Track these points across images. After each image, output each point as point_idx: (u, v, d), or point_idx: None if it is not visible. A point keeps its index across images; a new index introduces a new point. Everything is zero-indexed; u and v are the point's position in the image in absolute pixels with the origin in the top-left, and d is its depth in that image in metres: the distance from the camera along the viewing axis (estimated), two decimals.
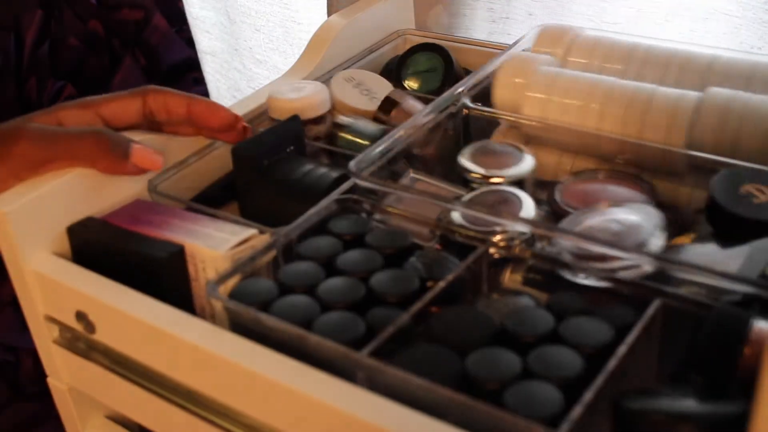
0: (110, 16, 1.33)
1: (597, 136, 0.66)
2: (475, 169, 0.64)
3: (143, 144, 0.64)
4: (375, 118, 0.77)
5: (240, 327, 0.54)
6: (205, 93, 1.42)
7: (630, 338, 0.47)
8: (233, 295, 0.54)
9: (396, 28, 0.94)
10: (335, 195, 0.62)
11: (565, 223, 0.57)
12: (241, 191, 0.68)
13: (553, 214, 0.62)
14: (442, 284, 0.53)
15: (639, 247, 0.53)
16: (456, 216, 0.59)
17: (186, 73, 1.44)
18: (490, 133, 0.74)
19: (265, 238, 0.60)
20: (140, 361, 0.60)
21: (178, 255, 0.59)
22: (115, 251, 0.61)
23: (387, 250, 0.57)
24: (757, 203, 0.54)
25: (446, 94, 0.72)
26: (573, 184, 0.64)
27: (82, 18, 1.31)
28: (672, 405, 0.44)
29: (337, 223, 0.60)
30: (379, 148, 0.65)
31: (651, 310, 0.49)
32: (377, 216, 0.62)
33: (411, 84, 0.85)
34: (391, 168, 0.67)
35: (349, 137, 0.73)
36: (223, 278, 0.55)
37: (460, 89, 0.72)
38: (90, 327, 0.61)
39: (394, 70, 0.86)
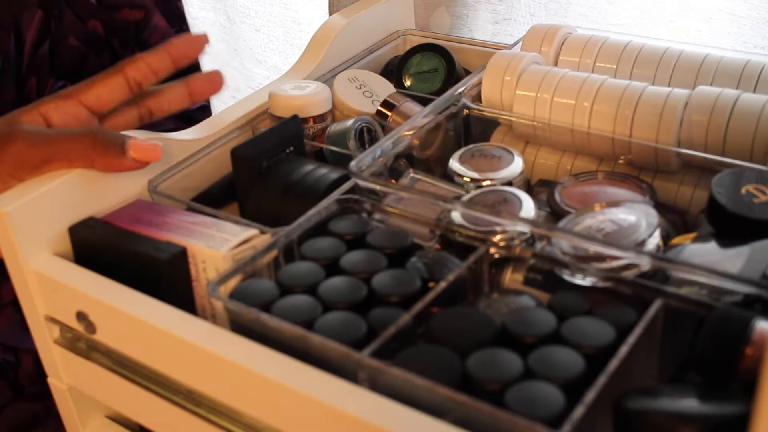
0: (110, 16, 1.33)
1: (588, 135, 0.66)
2: (464, 173, 0.65)
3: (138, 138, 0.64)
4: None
5: (241, 327, 0.54)
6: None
7: (631, 338, 0.47)
8: (234, 295, 0.54)
9: (396, 28, 0.94)
10: (336, 195, 0.62)
11: (563, 223, 0.57)
12: (241, 192, 0.68)
13: (553, 214, 0.62)
14: (443, 284, 0.53)
15: (637, 247, 0.53)
16: (456, 216, 0.59)
17: (186, 72, 1.44)
18: (490, 134, 0.74)
19: (265, 239, 0.60)
20: (141, 362, 0.60)
21: (179, 256, 0.59)
22: (116, 251, 0.61)
23: (387, 250, 0.57)
24: (757, 203, 0.54)
25: (446, 95, 0.72)
26: (572, 184, 0.64)
27: (82, 18, 1.31)
28: (673, 405, 0.44)
29: (337, 223, 0.60)
30: (380, 148, 0.65)
31: (652, 311, 0.49)
32: (377, 216, 0.62)
33: (412, 84, 0.85)
34: (392, 168, 0.67)
35: (332, 149, 0.74)
36: (223, 278, 0.55)
37: (460, 90, 0.72)
38: (90, 327, 0.61)
39: (394, 71, 0.86)
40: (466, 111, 0.72)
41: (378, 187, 0.62)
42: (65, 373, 0.67)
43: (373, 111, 0.77)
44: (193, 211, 0.65)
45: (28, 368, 1.24)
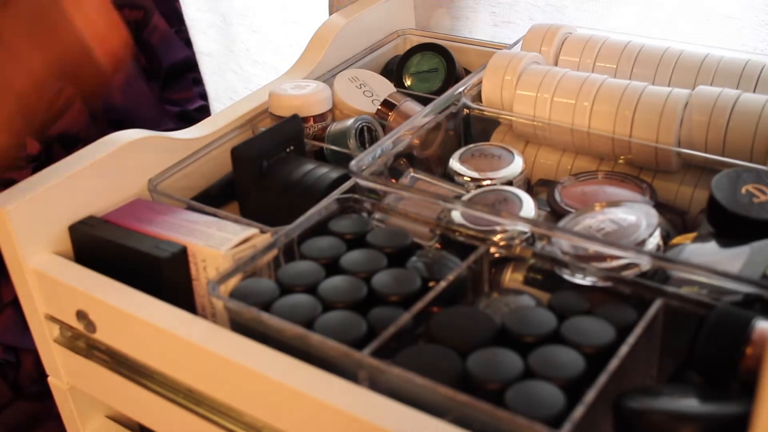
0: None
1: (588, 135, 0.67)
2: (464, 172, 0.65)
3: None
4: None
5: (241, 326, 0.54)
6: (205, 93, 1.42)
7: (631, 338, 0.47)
8: (234, 294, 0.54)
9: (396, 28, 0.94)
10: (336, 194, 0.62)
11: (563, 223, 0.57)
12: (241, 191, 0.68)
13: (553, 213, 0.62)
14: (443, 284, 0.53)
15: (637, 247, 0.53)
16: (456, 215, 0.59)
17: (186, 73, 1.44)
18: (490, 133, 0.74)
19: (266, 238, 0.60)
20: (141, 361, 0.60)
21: (179, 254, 0.59)
22: (116, 250, 0.61)
23: (387, 249, 0.57)
24: (757, 203, 0.54)
25: (446, 94, 0.72)
26: (572, 184, 0.64)
27: None
28: (673, 405, 0.44)
29: (337, 222, 0.60)
30: (380, 147, 0.65)
31: (652, 310, 0.49)
32: (377, 215, 0.62)
33: (412, 84, 0.85)
34: (392, 167, 0.68)
35: (332, 148, 0.74)
36: (224, 277, 0.55)
37: (460, 89, 0.73)
38: (90, 326, 0.61)
39: (394, 70, 0.86)
40: (466, 111, 0.72)
41: (378, 187, 0.62)
42: (65, 372, 0.67)
43: (373, 110, 0.77)
44: (193, 210, 0.65)
45: (28, 368, 1.24)
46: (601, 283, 0.52)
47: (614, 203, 0.57)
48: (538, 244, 0.57)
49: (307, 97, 0.75)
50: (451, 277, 0.53)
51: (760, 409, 0.34)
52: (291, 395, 0.49)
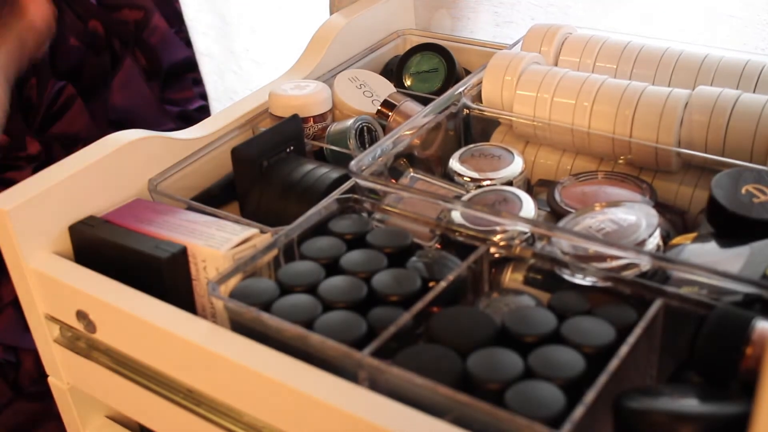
0: (110, 16, 1.33)
1: (588, 135, 0.67)
2: (464, 172, 0.65)
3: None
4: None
5: (241, 326, 0.54)
6: (205, 93, 1.42)
7: (631, 338, 0.47)
8: (234, 294, 0.54)
9: (396, 28, 0.94)
10: (336, 195, 0.62)
11: (563, 223, 0.57)
12: (241, 191, 0.68)
13: (553, 213, 0.62)
14: (443, 284, 0.53)
15: (637, 247, 0.53)
16: (456, 215, 0.59)
17: (186, 73, 1.44)
18: (490, 133, 0.74)
19: (266, 238, 0.60)
20: (141, 361, 0.60)
21: (179, 255, 0.59)
22: (117, 250, 0.61)
23: (387, 249, 0.57)
24: (757, 203, 0.54)
25: (447, 94, 0.72)
26: (572, 184, 0.64)
27: (82, 18, 1.31)
28: (673, 405, 0.44)
29: (337, 222, 0.60)
30: (380, 148, 0.65)
31: (652, 310, 0.49)
32: (377, 215, 0.62)
33: (412, 84, 0.85)
34: (392, 167, 0.68)
35: (332, 148, 0.74)
36: (224, 277, 0.55)
37: (460, 89, 0.73)
38: (91, 326, 0.61)
39: (394, 70, 0.86)
40: (466, 111, 0.72)
41: (378, 187, 0.62)
42: (65, 372, 0.67)
43: (374, 111, 0.77)
44: (193, 210, 0.65)
45: (28, 368, 1.24)
46: (601, 283, 0.52)
47: (614, 203, 0.57)
48: (538, 244, 0.57)
49: (307, 97, 0.75)
50: (451, 277, 0.53)
51: (760, 409, 0.34)
52: (291, 395, 0.49)
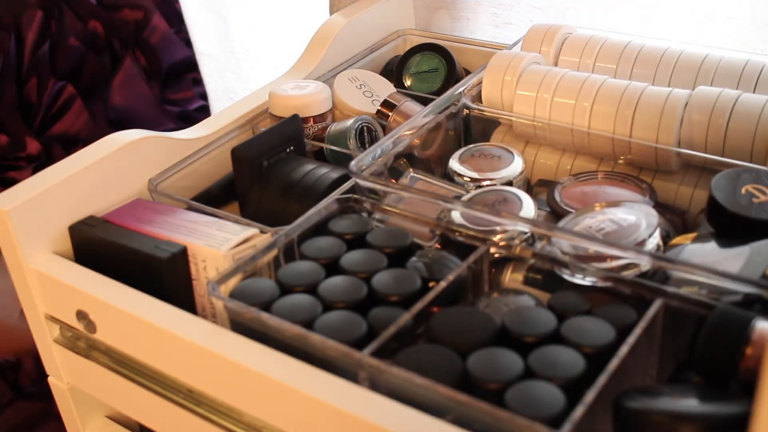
0: (110, 16, 1.33)
1: (588, 135, 0.67)
2: (464, 172, 0.65)
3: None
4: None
5: (241, 326, 0.54)
6: (205, 93, 1.42)
7: (631, 338, 0.47)
8: (234, 294, 0.54)
9: (396, 28, 0.94)
10: (336, 195, 0.62)
11: (563, 223, 0.57)
12: (241, 191, 0.68)
13: (553, 213, 0.62)
14: (443, 284, 0.53)
15: (637, 247, 0.53)
16: (456, 216, 0.59)
17: (186, 73, 1.44)
18: (490, 133, 0.74)
19: (266, 238, 0.60)
20: (141, 361, 0.60)
21: (179, 255, 0.59)
22: (117, 250, 0.61)
23: (387, 249, 0.57)
24: (757, 203, 0.54)
25: (446, 94, 0.72)
26: (572, 184, 0.64)
27: (82, 18, 1.31)
28: (673, 405, 0.44)
29: (337, 222, 0.60)
30: (380, 148, 0.65)
31: (652, 311, 0.49)
32: (377, 215, 0.62)
33: (412, 84, 0.85)
34: (392, 167, 0.68)
35: (332, 148, 0.74)
36: (224, 278, 0.55)
37: (460, 89, 0.73)
38: (91, 326, 0.61)
39: (394, 71, 0.86)
40: (466, 111, 0.72)
41: (378, 187, 0.63)
42: (65, 373, 0.67)
43: (373, 111, 0.77)
44: (194, 210, 0.65)
45: (28, 368, 1.24)
46: (601, 283, 0.52)
47: (614, 203, 0.57)
48: (538, 244, 0.57)
49: (306, 97, 0.75)
50: (451, 277, 0.53)
51: (760, 409, 0.34)
52: (291, 395, 0.49)
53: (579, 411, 0.42)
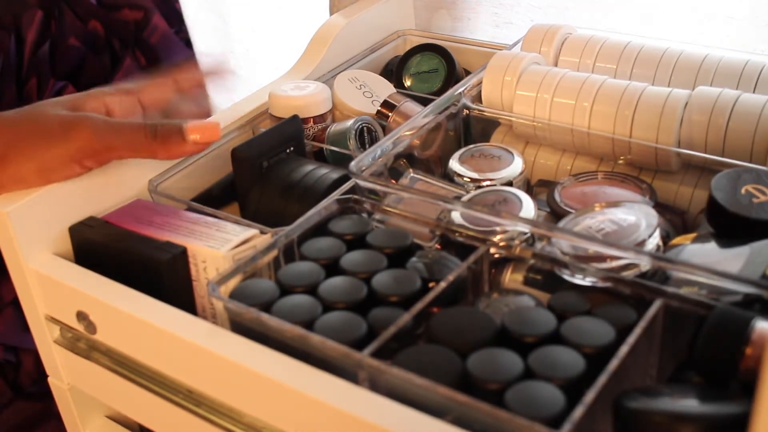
0: (110, 16, 1.33)
1: (588, 135, 0.67)
2: (464, 173, 0.65)
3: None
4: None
5: (241, 327, 0.54)
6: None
7: (631, 338, 0.47)
8: (234, 295, 0.54)
9: (396, 28, 0.94)
10: (336, 195, 0.62)
11: (563, 223, 0.57)
12: (241, 192, 0.68)
13: (553, 214, 0.62)
14: (443, 284, 0.53)
15: (637, 247, 0.53)
16: (456, 216, 0.59)
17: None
18: (490, 134, 0.74)
19: (266, 239, 0.60)
20: (141, 361, 0.60)
21: (179, 256, 0.59)
22: (117, 252, 0.61)
23: (387, 250, 0.57)
24: (757, 203, 0.54)
25: (446, 95, 0.72)
26: (572, 184, 0.64)
27: (82, 18, 1.31)
28: (673, 405, 0.44)
29: (337, 223, 0.60)
30: (380, 148, 0.65)
31: (652, 311, 0.49)
32: (377, 216, 0.62)
33: (412, 84, 0.85)
34: (392, 168, 0.68)
35: (332, 149, 0.74)
36: (224, 278, 0.55)
37: (460, 90, 0.73)
38: (91, 327, 0.61)
39: (394, 71, 0.86)
40: (466, 111, 0.72)
41: (378, 187, 0.63)
42: (66, 373, 0.67)
43: (373, 111, 0.78)
44: (194, 211, 0.65)
45: (28, 368, 1.24)
46: (600, 284, 0.53)
47: (614, 204, 0.57)
48: (538, 245, 0.57)
49: (306, 97, 0.75)
50: (451, 277, 0.53)
51: (760, 409, 0.34)
52: (291, 396, 0.49)
53: (579, 411, 0.42)
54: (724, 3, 0.78)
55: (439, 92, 0.82)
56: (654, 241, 0.54)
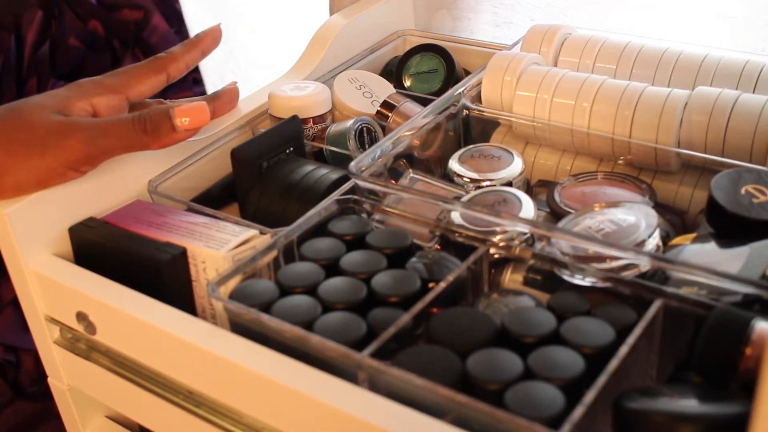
0: (110, 16, 1.33)
1: (588, 135, 0.67)
2: (464, 173, 0.65)
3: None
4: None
5: (240, 328, 0.54)
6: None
7: (631, 339, 0.47)
8: (234, 295, 0.54)
9: (396, 28, 0.94)
10: (335, 195, 0.62)
11: (563, 224, 0.57)
12: (240, 192, 0.69)
13: (553, 214, 0.62)
14: (442, 285, 0.53)
15: (637, 247, 0.53)
16: (456, 216, 0.59)
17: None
18: (490, 134, 0.74)
19: (265, 239, 0.60)
20: (141, 362, 0.60)
21: (179, 257, 0.59)
22: (117, 252, 0.61)
23: (387, 250, 0.57)
24: (757, 203, 0.54)
25: (446, 95, 0.72)
26: (572, 185, 0.64)
27: (82, 18, 1.31)
28: (673, 405, 0.44)
29: (337, 223, 0.60)
30: (380, 148, 0.65)
31: (652, 311, 0.49)
32: (377, 216, 0.62)
33: (412, 85, 0.85)
34: (391, 168, 0.68)
35: (332, 149, 0.74)
36: (223, 279, 0.55)
37: (460, 90, 0.73)
38: (91, 328, 0.61)
39: (394, 71, 0.86)
40: (465, 111, 0.72)
41: (378, 188, 0.63)
42: (65, 374, 0.67)
43: (373, 111, 0.78)
44: (193, 211, 0.65)
45: (28, 368, 1.24)
46: (600, 284, 0.53)
47: (614, 204, 0.58)
48: (538, 245, 0.57)
49: (306, 98, 0.75)
50: (450, 277, 0.53)
51: (760, 409, 0.34)
52: (291, 396, 0.49)
53: (578, 411, 0.42)
54: (725, 3, 0.78)
55: (438, 92, 0.82)
56: (654, 242, 0.54)
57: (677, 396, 0.45)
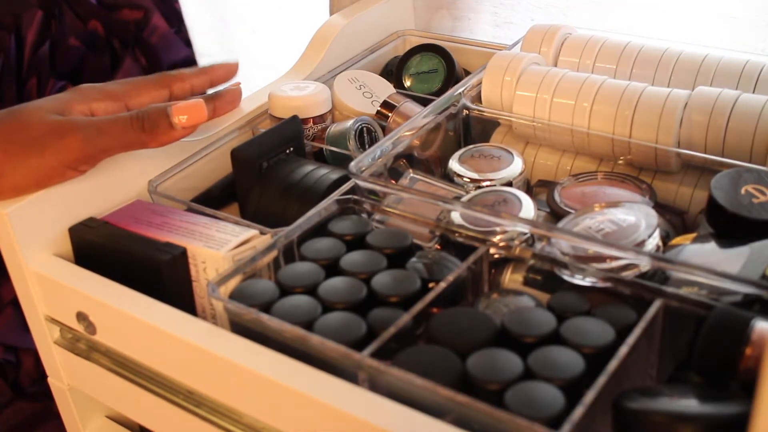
0: (110, 16, 1.33)
1: (588, 135, 0.67)
2: (464, 173, 0.65)
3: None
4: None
5: (241, 328, 0.54)
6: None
7: (631, 339, 0.47)
8: (234, 295, 0.54)
9: (396, 28, 0.94)
10: (335, 195, 0.62)
11: (563, 224, 0.57)
12: (241, 192, 0.69)
13: (553, 214, 0.62)
14: (442, 285, 0.53)
15: (637, 247, 0.53)
16: (456, 216, 0.59)
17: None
18: (490, 134, 0.74)
19: (265, 239, 0.60)
20: (141, 362, 0.60)
21: (179, 257, 0.59)
22: (117, 252, 0.61)
23: (387, 250, 0.57)
24: (757, 203, 0.54)
25: (446, 95, 0.72)
26: (572, 185, 0.64)
27: (82, 18, 1.31)
28: (673, 405, 0.44)
29: (337, 223, 0.60)
30: (380, 149, 0.65)
31: (652, 311, 0.49)
32: (377, 216, 0.62)
33: (412, 85, 0.85)
34: (391, 168, 0.68)
35: (332, 149, 0.74)
36: (223, 279, 0.55)
37: (460, 90, 0.73)
38: (91, 328, 0.61)
39: (394, 71, 0.86)
40: (465, 111, 0.72)
41: (378, 188, 0.63)
42: (65, 374, 0.67)
43: (373, 111, 0.78)
44: (193, 211, 0.65)
45: (28, 368, 1.24)
46: (600, 284, 0.53)
47: (614, 204, 0.58)
48: (538, 245, 0.57)
49: (306, 98, 0.75)
50: (450, 277, 0.53)
51: (760, 409, 0.34)
52: (291, 396, 0.49)
53: (578, 411, 0.42)
54: (725, 3, 0.78)
55: (438, 92, 0.82)
56: (654, 242, 0.54)
57: (677, 396, 0.45)
